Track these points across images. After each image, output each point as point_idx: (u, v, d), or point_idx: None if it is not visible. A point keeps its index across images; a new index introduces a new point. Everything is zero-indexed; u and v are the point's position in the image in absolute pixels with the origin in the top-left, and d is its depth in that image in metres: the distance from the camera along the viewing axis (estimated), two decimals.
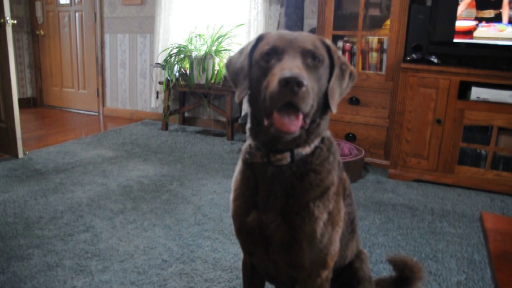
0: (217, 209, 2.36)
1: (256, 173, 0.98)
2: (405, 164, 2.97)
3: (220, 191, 2.62)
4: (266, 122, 0.86)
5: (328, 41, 0.99)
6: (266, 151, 0.94)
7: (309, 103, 0.84)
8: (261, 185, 0.97)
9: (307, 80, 0.81)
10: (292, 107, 0.82)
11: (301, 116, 0.84)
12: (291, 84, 0.78)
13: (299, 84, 0.78)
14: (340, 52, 1.05)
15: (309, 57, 0.89)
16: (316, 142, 0.97)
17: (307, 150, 0.95)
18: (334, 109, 0.94)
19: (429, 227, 2.23)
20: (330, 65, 0.96)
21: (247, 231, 1.02)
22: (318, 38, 0.96)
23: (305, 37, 0.92)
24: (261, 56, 0.90)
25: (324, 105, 0.95)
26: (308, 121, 0.88)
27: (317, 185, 0.95)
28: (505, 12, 2.70)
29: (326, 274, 1.02)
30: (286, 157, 0.93)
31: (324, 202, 0.95)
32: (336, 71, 0.96)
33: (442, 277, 1.76)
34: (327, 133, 1.02)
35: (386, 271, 1.76)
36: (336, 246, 1.01)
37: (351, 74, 1.01)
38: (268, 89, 0.84)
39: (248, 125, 0.99)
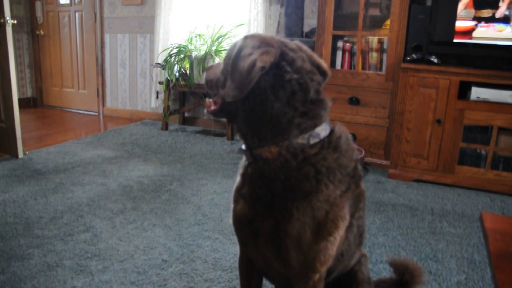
0: (217, 209, 2.36)
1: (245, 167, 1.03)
2: (405, 164, 2.97)
3: (220, 191, 2.62)
4: None
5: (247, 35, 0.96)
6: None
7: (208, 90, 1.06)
8: (246, 179, 1.01)
9: (209, 70, 1.05)
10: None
11: (214, 100, 1.01)
12: None
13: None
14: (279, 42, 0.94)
15: None
16: (279, 148, 0.92)
17: (266, 154, 0.93)
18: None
19: (429, 227, 2.23)
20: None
21: (237, 219, 1.05)
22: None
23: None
24: None
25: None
26: (218, 105, 1.00)
27: (291, 189, 0.93)
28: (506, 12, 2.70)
29: (318, 276, 1.00)
30: (248, 155, 0.98)
31: (305, 205, 0.92)
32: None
33: (442, 277, 1.76)
34: (308, 141, 0.92)
35: (386, 271, 1.76)
36: (327, 254, 0.97)
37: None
38: None
39: None
